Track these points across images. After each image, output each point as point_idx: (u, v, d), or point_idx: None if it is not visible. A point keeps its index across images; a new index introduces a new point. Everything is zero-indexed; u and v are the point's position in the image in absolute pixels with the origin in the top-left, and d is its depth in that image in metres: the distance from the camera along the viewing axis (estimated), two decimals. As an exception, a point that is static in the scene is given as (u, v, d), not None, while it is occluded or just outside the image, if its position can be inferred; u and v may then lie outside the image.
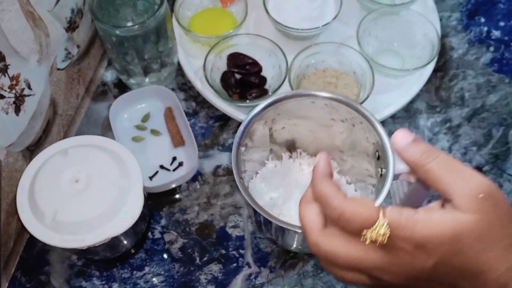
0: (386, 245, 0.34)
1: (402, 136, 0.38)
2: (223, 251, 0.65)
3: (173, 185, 0.68)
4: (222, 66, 0.74)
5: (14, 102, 0.57)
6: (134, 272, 0.64)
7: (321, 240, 0.37)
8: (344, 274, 0.37)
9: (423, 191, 0.57)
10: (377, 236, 0.33)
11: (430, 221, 0.33)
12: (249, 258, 0.65)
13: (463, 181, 0.34)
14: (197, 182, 0.70)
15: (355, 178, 0.62)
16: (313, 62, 0.72)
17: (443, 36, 0.80)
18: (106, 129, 0.73)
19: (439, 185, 0.35)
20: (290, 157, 0.64)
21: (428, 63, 0.71)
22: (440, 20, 0.80)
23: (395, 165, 0.51)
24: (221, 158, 0.71)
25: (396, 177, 0.52)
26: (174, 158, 0.70)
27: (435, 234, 0.33)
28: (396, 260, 0.34)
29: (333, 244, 0.36)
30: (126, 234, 0.56)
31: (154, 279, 0.64)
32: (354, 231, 0.35)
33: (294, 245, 0.61)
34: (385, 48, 0.75)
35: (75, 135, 0.72)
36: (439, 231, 0.33)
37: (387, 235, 0.33)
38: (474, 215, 0.33)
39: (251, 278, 0.64)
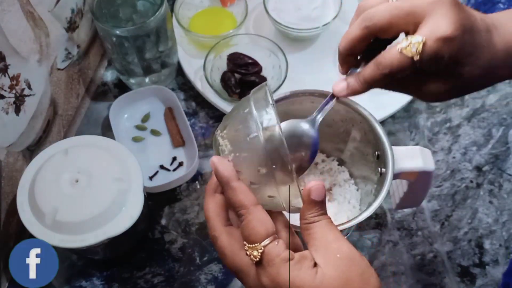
0: (259, 266, 0.37)
1: (317, 190, 0.38)
2: (223, 251, 0.65)
3: (173, 185, 0.68)
4: (222, 66, 0.74)
5: (14, 102, 0.57)
6: (134, 272, 0.64)
7: (220, 237, 0.39)
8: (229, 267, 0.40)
9: (421, 191, 0.57)
10: (253, 256, 0.37)
11: (299, 270, 0.36)
12: (249, 258, 0.65)
13: (328, 245, 0.37)
14: (197, 182, 0.70)
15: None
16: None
17: (443, 36, 0.80)
18: (106, 129, 0.73)
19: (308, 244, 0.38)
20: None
21: (428, 63, 0.71)
22: (440, 20, 0.80)
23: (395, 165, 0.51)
24: (221, 158, 0.71)
25: (395, 176, 0.52)
26: (174, 158, 0.70)
27: (299, 283, 0.36)
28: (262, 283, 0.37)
29: (226, 244, 0.39)
30: (126, 234, 0.56)
31: (154, 279, 0.64)
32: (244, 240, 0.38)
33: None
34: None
35: (75, 135, 0.72)
36: (305, 282, 0.36)
37: (257, 258, 0.37)
38: (333, 272, 0.36)
39: (251, 278, 0.64)
